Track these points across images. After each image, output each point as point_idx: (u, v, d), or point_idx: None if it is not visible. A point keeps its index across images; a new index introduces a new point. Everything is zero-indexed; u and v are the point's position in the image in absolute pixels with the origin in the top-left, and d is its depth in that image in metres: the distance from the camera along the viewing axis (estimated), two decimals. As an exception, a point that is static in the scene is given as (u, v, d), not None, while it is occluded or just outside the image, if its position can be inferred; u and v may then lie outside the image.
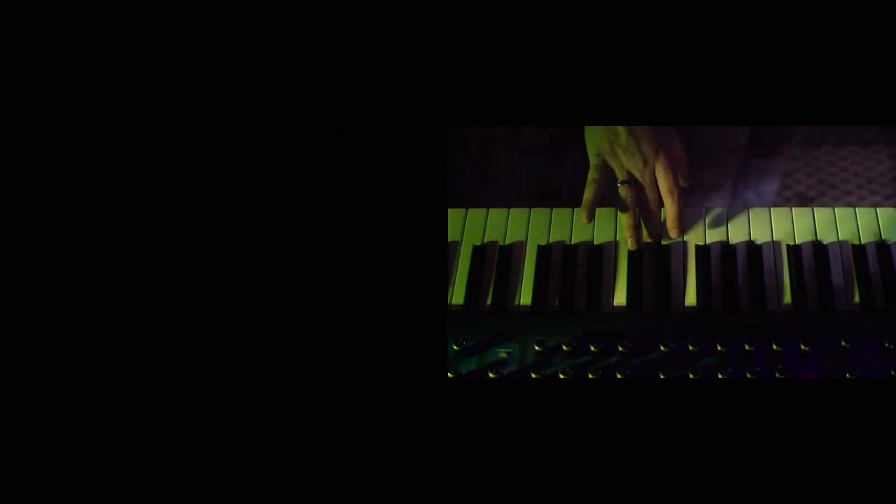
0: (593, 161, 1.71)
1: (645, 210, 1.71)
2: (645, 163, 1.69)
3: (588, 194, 1.70)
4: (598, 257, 1.70)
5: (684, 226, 1.71)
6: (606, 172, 1.71)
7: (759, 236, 1.72)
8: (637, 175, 1.70)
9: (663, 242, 1.72)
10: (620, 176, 1.70)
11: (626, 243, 1.70)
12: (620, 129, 1.70)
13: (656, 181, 1.70)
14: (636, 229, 1.70)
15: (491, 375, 1.51)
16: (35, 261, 1.41)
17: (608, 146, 1.70)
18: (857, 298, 1.62)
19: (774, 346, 1.52)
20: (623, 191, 1.70)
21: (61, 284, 1.42)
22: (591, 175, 1.71)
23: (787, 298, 1.62)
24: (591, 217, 1.70)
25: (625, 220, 1.70)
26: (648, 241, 1.71)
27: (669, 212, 1.70)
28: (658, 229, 1.71)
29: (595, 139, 1.71)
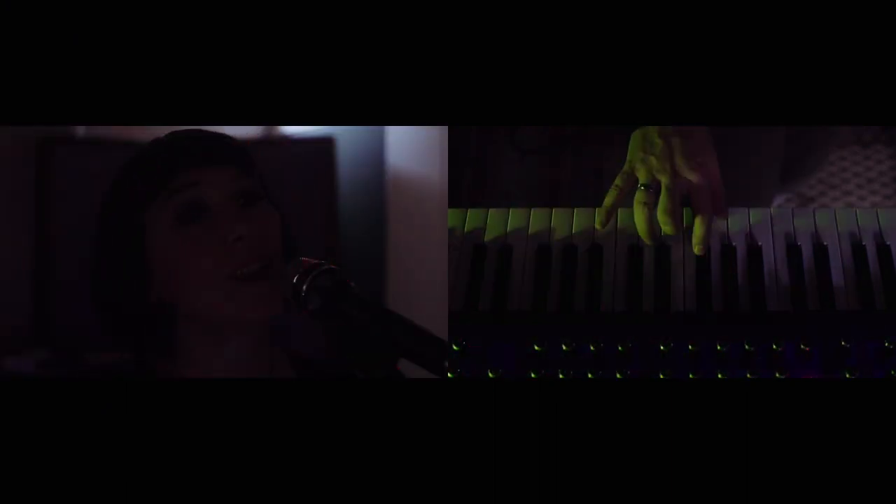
0: (625, 168, 1.72)
1: (670, 209, 1.69)
2: (675, 173, 1.69)
3: (609, 199, 1.71)
4: (598, 257, 1.70)
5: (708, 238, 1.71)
6: (631, 181, 1.71)
7: (759, 236, 1.72)
8: (664, 181, 1.69)
9: (664, 243, 1.72)
10: (643, 180, 1.70)
11: (645, 239, 1.70)
12: (658, 139, 1.70)
13: (680, 187, 1.69)
14: (653, 230, 1.70)
15: (491, 375, 1.51)
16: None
17: (641, 153, 1.71)
18: (857, 298, 1.62)
19: (774, 346, 1.52)
20: (642, 195, 1.70)
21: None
22: (617, 181, 1.71)
23: (787, 298, 1.62)
24: (607, 222, 1.71)
25: (642, 223, 1.70)
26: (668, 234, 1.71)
27: (699, 231, 1.68)
28: (681, 224, 1.70)
29: (633, 146, 1.72)
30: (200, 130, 1.39)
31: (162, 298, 1.36)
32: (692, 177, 1.70)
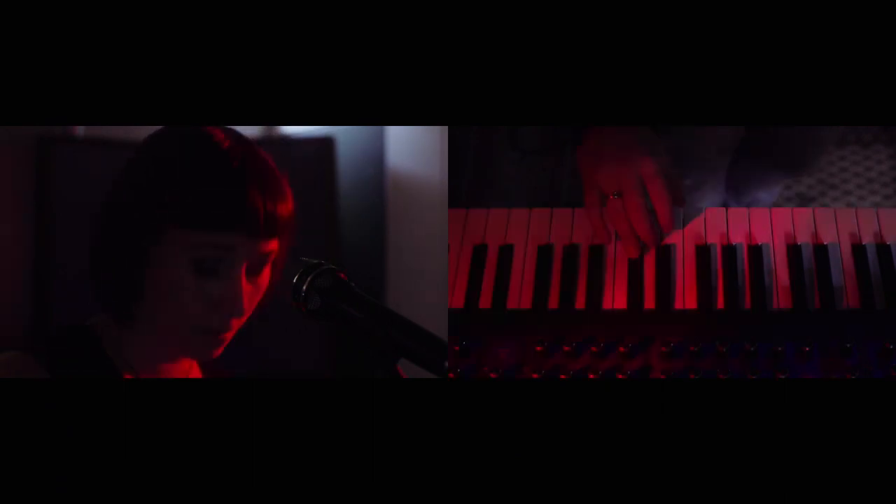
0: (585, 186, 1.71)
1: (635, 217, 1.67)
2: (630, 170, 1.66)
3: (595, 219, 1.70)
4: (598, 257, 1.70)
5: (674, 219, 1.69)
6: (598, 193, 1.70)
7: (759, 236, 1.72)
8: (625, 183, 1.66)
9: (663, 243, 1.72)
10: (608, 190, 1.68)
11: (627, 252, 1.69)
12: (605, 143, 1.68)
13: (644, 188, 1.67)
14: (633, 238, 1.69)
15: (491, 375, 1.51)
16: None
17: (594, 163, 1.69)
18: (857, 298, 1.62)
19: (774, 346, 1.52)
20: (614, 203, 1.67)
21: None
22: (588, 199, 1.70)
23: (787, 298, 1.63)
24: (610, 238, 1.70)
25: (622, 231, 1.68)
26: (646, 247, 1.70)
27: (659, 211, 1.67)
28: (653, 234, 1.69)
29: (583, 162, 1.71)
30: (282, 192, 1.35)
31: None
32: (647, 168, 1.65)
